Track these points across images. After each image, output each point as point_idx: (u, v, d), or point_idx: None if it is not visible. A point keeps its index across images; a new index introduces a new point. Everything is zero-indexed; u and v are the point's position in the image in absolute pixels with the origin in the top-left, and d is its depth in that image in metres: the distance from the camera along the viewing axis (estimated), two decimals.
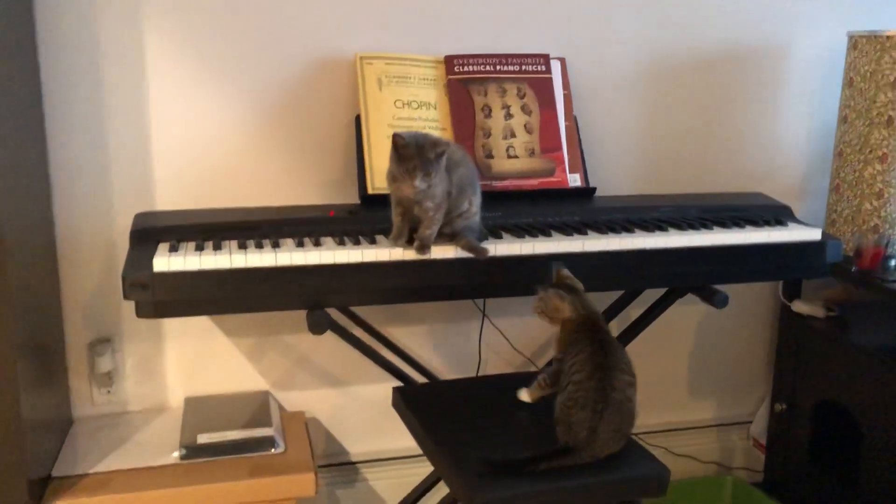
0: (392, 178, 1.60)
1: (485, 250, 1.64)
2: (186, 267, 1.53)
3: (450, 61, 1.94)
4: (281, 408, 2.06)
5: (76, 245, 1.88)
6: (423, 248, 1.62)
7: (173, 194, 1.90)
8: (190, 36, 1.85)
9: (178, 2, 1.83)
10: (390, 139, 1.58)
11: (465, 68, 1.94)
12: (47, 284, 1.80)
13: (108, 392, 1.96)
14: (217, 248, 1.60)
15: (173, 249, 1.58)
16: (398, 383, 1.92)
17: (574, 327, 1.53)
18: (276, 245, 1.63)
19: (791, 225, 1.93)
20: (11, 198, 1.51)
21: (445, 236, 1.65)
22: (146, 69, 1.84)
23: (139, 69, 1.84)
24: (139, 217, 1.77)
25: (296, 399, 2.09)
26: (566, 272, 1.59)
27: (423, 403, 1.70)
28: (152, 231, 1.68)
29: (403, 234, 1.64)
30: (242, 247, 1.61)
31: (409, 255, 1.62)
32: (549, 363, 1.70)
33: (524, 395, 1.66)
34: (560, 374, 1.53)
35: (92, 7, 1.79)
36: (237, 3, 1.86)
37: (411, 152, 1.54)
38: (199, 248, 1.59)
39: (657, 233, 1.79)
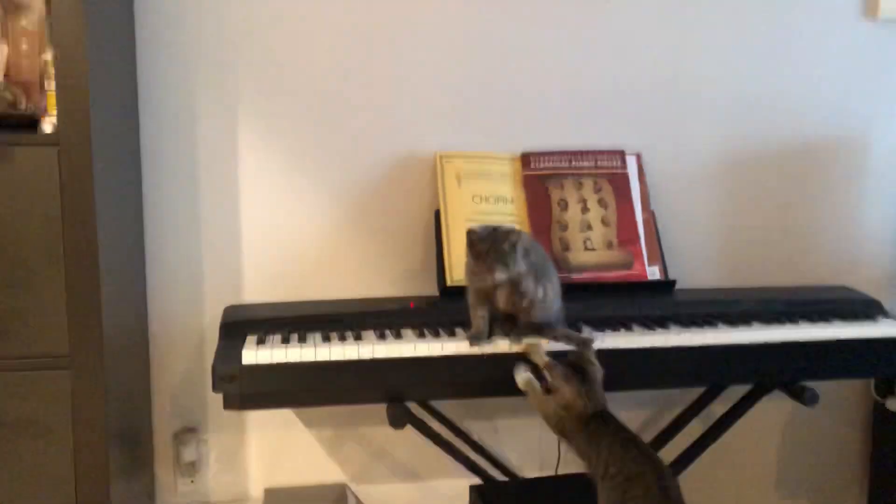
0: (472, 272, 1.63)
1: (588, 339, 1.62)
2: (273, 359, 1.57)
3: (526, 158, 1.98)
4: (358, 501, 2.05)
5: (168, 337, 1.95)
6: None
7: (261, 286, 1.97)
8: (279, 136, 1.95)
9: (270, 105, 1.94)
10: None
11: (541, 164, 1.98)
12: (139, 374, 1.87)
13: (192, 482, 1.99)
14: (302, 340, 1.64)
15: (260, 342, 1.63)
16: (475, 477, 1.90)
17: (582, 421, 1.49)
18: (358, 337, 1.66)
19: (881, 319, 1.87)
20: (112, 294, 1.60)
21: (528, 327, 1.66)
22: (239, 170, 1.95)
23: (233, 171, 1.94)
24: (229, 310, 1.84)
25: (373, 492, 2.07)
26: (589, 355, 1.55)
27: (500, 503, 1.68)
28: (241, 324, 1.73)
29: (484, 332, 1.64)
30: (326, 339, 1.64)
31: (488, 348, 1.63)
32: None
33: None
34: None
35: (192, 115, 1.91)
36: (325, 103, 1.96)
37: (486, 246, 1.57)
38: (286, 341, 1.64)
39: (741, 327, 1.76)
